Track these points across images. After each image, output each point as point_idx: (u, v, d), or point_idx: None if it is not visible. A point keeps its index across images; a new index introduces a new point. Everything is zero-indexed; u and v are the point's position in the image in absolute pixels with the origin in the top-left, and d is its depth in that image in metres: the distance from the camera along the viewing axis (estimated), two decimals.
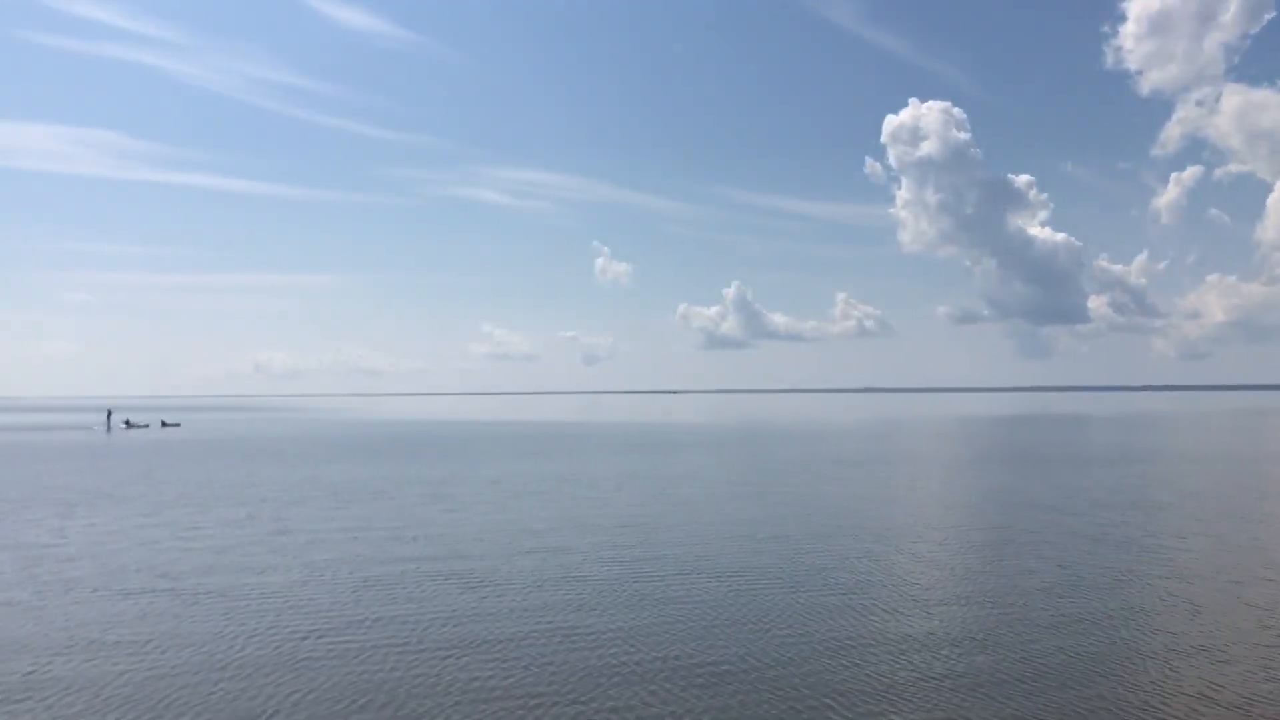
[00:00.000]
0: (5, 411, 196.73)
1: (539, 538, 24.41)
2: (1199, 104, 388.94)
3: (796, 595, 17.72)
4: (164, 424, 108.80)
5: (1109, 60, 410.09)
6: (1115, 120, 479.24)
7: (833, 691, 12.26)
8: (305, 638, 14.86)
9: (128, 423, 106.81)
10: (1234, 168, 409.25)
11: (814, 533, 25.14)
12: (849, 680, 12.72)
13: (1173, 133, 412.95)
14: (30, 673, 13.07)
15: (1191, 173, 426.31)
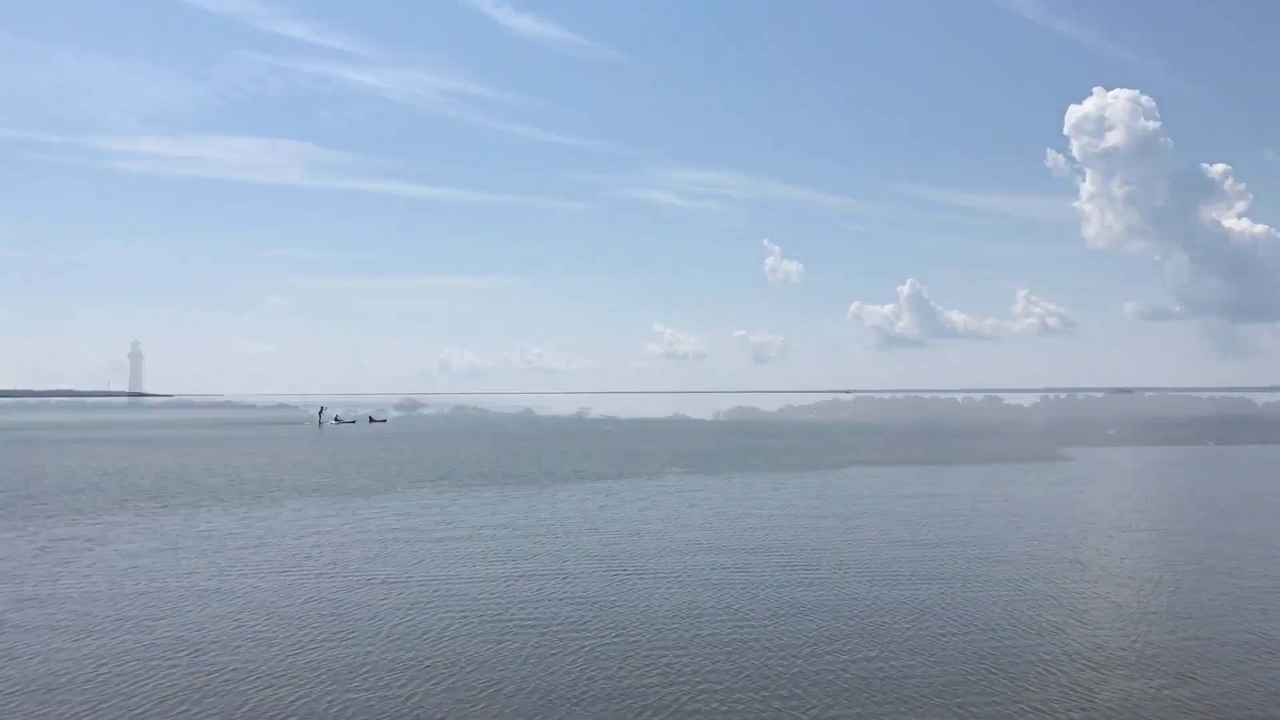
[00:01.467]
0: (217, 408, 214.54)
1: (690, 535, 24.42)
2: None
3: (956, 608, 17.00)
4: (371, 419, 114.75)
5: None
6: None
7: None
8: (457, 626, 15.35)
9: (338, 419, 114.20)
10: None
11: (973, 539, 24.11)
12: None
13: None
14: (197, 649, 14.07)
15: None
